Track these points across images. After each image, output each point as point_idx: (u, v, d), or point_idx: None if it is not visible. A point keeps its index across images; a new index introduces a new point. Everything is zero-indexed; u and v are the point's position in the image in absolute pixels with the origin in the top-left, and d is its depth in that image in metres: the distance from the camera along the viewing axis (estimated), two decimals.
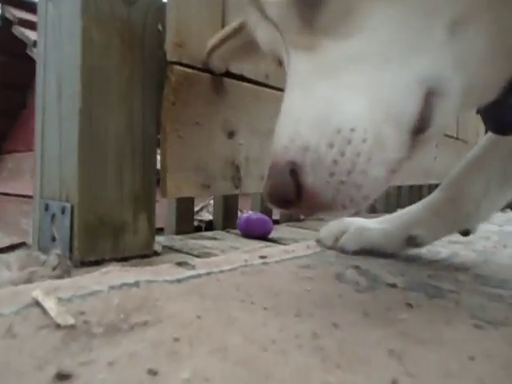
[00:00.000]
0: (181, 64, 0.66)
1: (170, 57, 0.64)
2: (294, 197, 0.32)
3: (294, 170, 0.32)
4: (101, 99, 0.58)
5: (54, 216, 0.59)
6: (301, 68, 0.35)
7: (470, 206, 0.64)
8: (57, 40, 0.61)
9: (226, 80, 0.74)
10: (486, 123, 0.56)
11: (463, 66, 0.33)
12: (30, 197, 0.68)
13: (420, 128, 0.33)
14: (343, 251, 0.69)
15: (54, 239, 0.59)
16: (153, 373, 0.26)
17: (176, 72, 0.65)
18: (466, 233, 0.66)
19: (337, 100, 0.32)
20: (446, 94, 0.33)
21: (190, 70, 0.67)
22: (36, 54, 0.67)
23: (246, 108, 0.79)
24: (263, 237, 0.84)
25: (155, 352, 0.29)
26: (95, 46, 0.58)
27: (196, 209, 1.02)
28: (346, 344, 0.33)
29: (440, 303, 0.45)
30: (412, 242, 0.67)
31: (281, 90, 0.88)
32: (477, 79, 0.35)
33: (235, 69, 0.76)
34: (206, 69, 0.70)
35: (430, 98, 0.33)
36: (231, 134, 0.76)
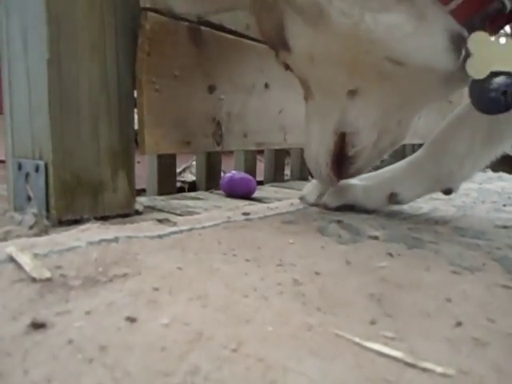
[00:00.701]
0: (156, 11, 0.61)
1: (143, 2, 0.60)
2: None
3: None
4: (70, 49, 0.55)
5: (28, 175, 0.57)
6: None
7: (453, 165, 0.65)
8: None
9: (205, 30, 0.70)
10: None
11: (364, 115, 0.54)
12: (4, 161, 0.65)
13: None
14: (326, 207, 0.69)
15: (29, 199, 0.56)
16: (131, 320, 0.26)
17: (150, 19, 0.60)
18: (448, 191, 0.67)
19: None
20: (356, 132, 0.55)
21: (165, 18, 0.63)
22: None
23: (227, 61, 0.76)
24: (247, 196, 0.84)
25: (134, 301, 0.29)
26: None
27: (178, 170, 1.00)
28: (327, 290, 0.33)
29: (420, 252, 0.46)
30: (394, 199, 0.68)
31: (263, 42, 0.85)
32: (377, 122, 0.55)
33: (214, 18, 0.72)
34: (183, 17, 0.66)
35: (343, 137, 0.57)
36: (211, 89, 0.73)
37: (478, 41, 0.43)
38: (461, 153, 0.64)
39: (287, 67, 0.59)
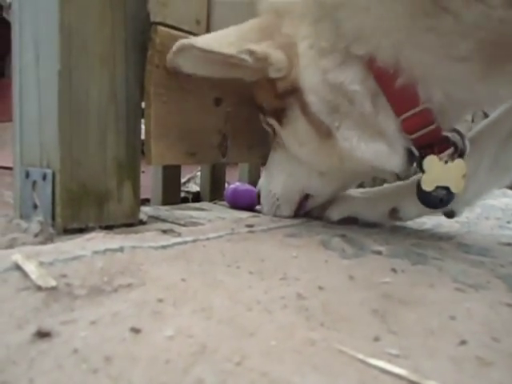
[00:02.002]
0: (165, 25, 0.63)
1: (153, 17, 0.61)
2: None
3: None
4: (81, 61, 0.56)
5: (35, 183, 0.57)
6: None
7: None
8: None
9: None
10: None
11: (325, 187, 0.67)
12: (12, 169, 0.66)
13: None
14: (328, 220, 0.69)
15: (35, 207, 0.57)
16: (136, 331, 0.26)
17: (160, 33, 0.62)
18: (450, 214, 0.67)
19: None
20: (316, 196, 0.70)
21: (174, 32, 0.64)
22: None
23: None
24: (250, 208, 0.84)
25: (138, 312, 0.29)
26: (74, 4, 0.54)
27: (183, 180, 1.00)
28: (331, 304, 0.33)
29: (423, 269, 0.46)
30: (394, 214, 0.68)
31: None
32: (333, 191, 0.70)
33: None
34: (191, 31, 0.67)
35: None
36: (218, 101, 0.74)
37: (430, 162, 0.55)
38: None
39: (272, 129, 0.68)
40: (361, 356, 0.25)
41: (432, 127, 0.53)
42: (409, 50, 0.47)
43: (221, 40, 0.58)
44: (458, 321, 0.32)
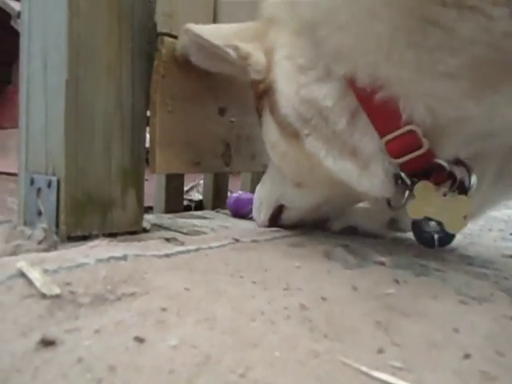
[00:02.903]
0: (171, 35, 0.64)
1: (160, 28, 0.62)
2: None
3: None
4: (88, 71, 0.57)
5: (39, 190, 0.58)
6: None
7: None
8: (42, 8, 0.58)
9: None
10: None
11: (300, 200, 0.64)
12: (16, 175, 0.66)
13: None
14: (330, 230, 0.69)
15: (39, 213, 0.57)
16: (139, 340, 0.26)
17: (167, 44, 0.63)
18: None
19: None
20: (290, 208, 0.68)
21: None
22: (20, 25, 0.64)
23: (238, 84, 0.77)
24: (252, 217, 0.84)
25: (142, 321, 0.29)
26: (82, 15, 0.55)
27: (186, 188, 1.01)
28: (334, 316, 0.33)
29: (426, 280, 0.46)
30: (394, 225, 0.68)
31: None
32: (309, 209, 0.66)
33: None
34: None
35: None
36: (222, 111, 0.74)
37: (423, 189, 0.50)
38: None
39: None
40: (365, 368, 0.25)
41: (421, 151, 0.47)
42: (388, 68, 0.45)
43: (215, 31, 0.59)
44: (461, 334, 0.32)
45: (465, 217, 0.50)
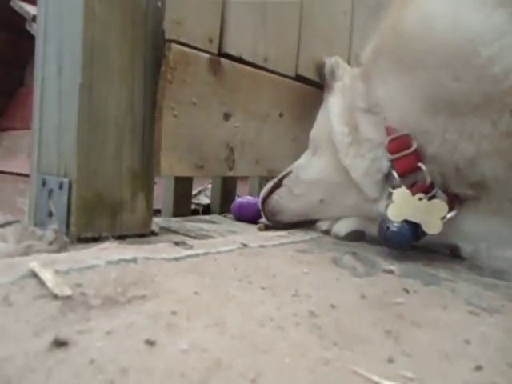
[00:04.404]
0: (179, 42, 0.64)
1: (168, 34, 0.63)
2: None
3: None
4: (102, 75, 0.57)
5: (51, 191, 0.58)
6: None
7: None
8: (58, 12, 0.59)
9: (224, 61, 0.73)
10: None
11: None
12: (26, 175, 0.67)
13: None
14: (336, 236, 0.69)
15: (50, 215, 0.58)
16: (150, 343, 0.26)
17: (173, 50, 0.63)
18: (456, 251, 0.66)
19: None
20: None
21: (187, 49, 0.66)
22: (35, 29, 0.65)
23: (243, 91, 0.78)
24: (255, 221, 0.84)
25: (153, 324, 0.29)
26: (97, 20, 0.56)
27: (193, 192, 1.01)
28: (343, 324, 0.33)
29: (436, 290, 0.46)
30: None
31: (279, 74, 0.88)
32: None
33: (234, 50, 0.75)
34: (204, 49, 0.69)
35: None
36: (227, 116, 0.75)
37: (401, 195, 0.58)
38: None
39: None
40: (376, 378, 0.25)
41: (410, 150, 0.57)
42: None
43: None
44: (472, 345, 0.31)
45: (442, 218, 0.56)
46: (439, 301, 0.41)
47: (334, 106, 0.69)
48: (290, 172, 0.77)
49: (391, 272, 0.51)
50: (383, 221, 0.60)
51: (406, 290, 0.44)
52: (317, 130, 0.77)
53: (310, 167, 0.73)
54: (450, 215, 0.57)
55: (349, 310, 0.36)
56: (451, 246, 0.63)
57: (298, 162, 0.78)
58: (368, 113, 0.63)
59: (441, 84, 0.54)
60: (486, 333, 0.34)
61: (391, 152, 0.59)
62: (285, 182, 0.76)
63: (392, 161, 0.60)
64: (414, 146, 0.57)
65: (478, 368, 0.28)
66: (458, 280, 0.50)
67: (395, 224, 0.58)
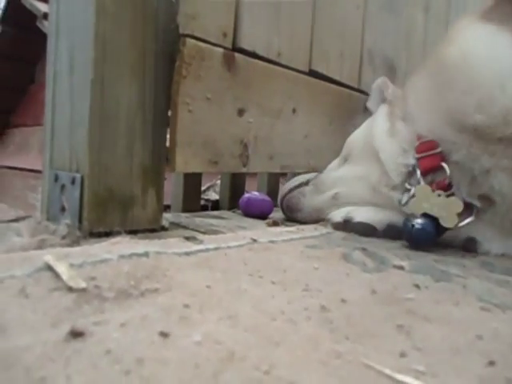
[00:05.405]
0: (193, 37, 0.65)
1: (182, 29, 0.63)
2: None
3: None
4: (113, 71, 0.58)
5: (63, 186, 0.59)
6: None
7: None
8: (69, 9, 0.60)
9: (238, 56, 0.73)
10: None
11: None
12: (37, 171, 0.68)
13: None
14: (332, 223, 0.72)
15: (63, 209, 0.59)
16: (164, 335, 0.27)
17: (188, 45, 0.64)
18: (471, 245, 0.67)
19: None
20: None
21: (202, 44, 0.66)
22: (46, 26, 0.66)
23: (257, 86, 0.78)
24: (263, 217, 0.85)
25: (166, 316, 0.29)
26: (109, 16, 0.57)
27: (202, 188, 1.02)
28: (355, 318, 0.33)
29: (447, 286, 0.45)
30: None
31: (293, 69, 0.87)
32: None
33: (247, 45, 0.75)
34: (218, 43, 0.69)
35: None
36: (241, 112, 0.75)
37: (422, 190, 0.62)
38: None
39: None
40: (388, 371, 0.25)
41: (436, 151, 0.63)
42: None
43: None
44: (485, 341, 0.31)
45: (458, 214, 0.60)
46: (450, 297, 0.41)
47: (379, 113, 0.76)
48: (317, 175, 0.81)
49: (401, 268, 0.51)
50: (407, 219, 0.63)
51: (417, 286, 0.44)
52: (355, 137, 0.80)
53: (337, 172, 0.78)
54: (467, 221, 0.61)
55: (359, 304, 0.37)
56: (466, 238, 0.65)
57: (330, 166, 0.82)
58: (403, 120, 0.70)
59: (465, 111, 0.59)
60: (498, 328, 0.34)
61: (418, 152, 0.64)
62: (312, 182, 0.80)
63: (418, 159, 0.64)
64: (440, 149, 0.62)
65: (491, 363, 0.28)
66: (470, 276, 0.50)
67: (419, 221, 0.61)
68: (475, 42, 0.61)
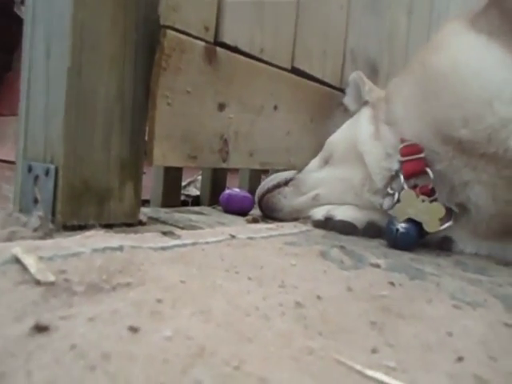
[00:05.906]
0: (174, 29, 0.63)
1: (163, 20, 0.62)
2: None
3: None
4: (91, 60, 0.56)
5: (37, 177, 0.57)
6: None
7: None
8: None
9: (220, 50, 0.72)
10: None
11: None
12: (13, 162, 0.65)
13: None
14: (313, 221, 0.73)
15: (36, 201, 0.57)
16: (134, 329, 0.26)
17: (169, 37, 0.62)
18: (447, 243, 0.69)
19: None
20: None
21: (183, 36, 0.65)
22: (24, 11, 0.64)
23: (239, 81, 0.77)
24: (243, 213, 0.84)
25: (137, 311, 0.29)
26: (88, 3, 0.55)
27: (183, 183, 1.00)
28: (329, 314, 0.33)
29: (421, 284, 0.46)
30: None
31: (275, 66, 0.87)
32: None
33: (230, 40, 0.74)
34: (200, 36, 0.68)
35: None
36: (222, 107, 0.74)
37: (407, 195, 0.63)
38: None
39: None
40: (359, 367, 0.25)
41: (421, 155, 0.63)
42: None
43: None
44: (455, 337, 0.32)
45: (440, 219, 0.62)
46: (424, 294, 0.42)
47: (363, 115, 0.75)
48: (296, 175, 0.81)
49: (378, 266, 0.51)
50: (390, 223, 0.64)
51: (392, 284, 0.44)
52: (337, 138, 0.79)
53: (319, 174, 0.78)
54: (446, 225, 0.63)
55: (335, 301, 0.37)
56: (443, 237, 0.66)
57: (308, 166, 0.81)
58: (387, 123, 0.70)
59: (451, 124, 0.59)
60: (468, 326, 0.34)
61: (403, 155, 0.64)
62: (292, 183, 0.80)
63: (402, 162, 0.65)
64: (424, 154, 0.63)
65: (460, 359, 0.28)
66: (443, 275, 0.51)
67: (402, 225, 0.62)
68: (466, 54, 0.61)
